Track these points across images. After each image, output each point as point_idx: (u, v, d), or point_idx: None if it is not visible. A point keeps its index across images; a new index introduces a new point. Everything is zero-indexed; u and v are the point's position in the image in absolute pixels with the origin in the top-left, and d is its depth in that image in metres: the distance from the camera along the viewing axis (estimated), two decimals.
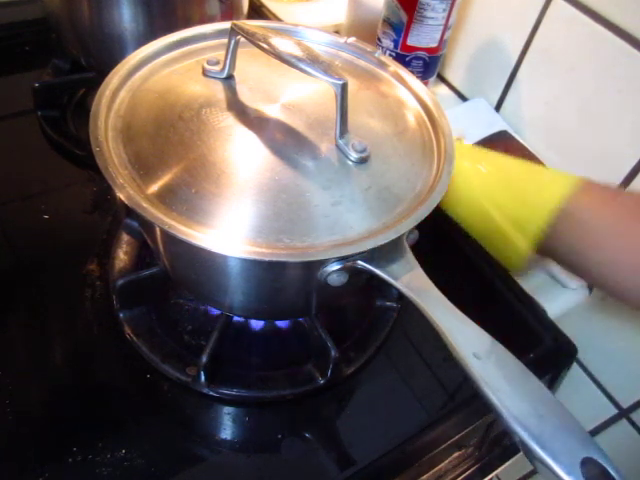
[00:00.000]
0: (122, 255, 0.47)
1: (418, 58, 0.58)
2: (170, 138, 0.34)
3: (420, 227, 0.34)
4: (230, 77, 0.38)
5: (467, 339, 0.30)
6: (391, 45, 0.58)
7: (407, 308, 0.46)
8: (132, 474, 0.37)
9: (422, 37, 0.57)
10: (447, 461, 0.47)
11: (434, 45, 0.58)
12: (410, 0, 0.54)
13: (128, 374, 0.42)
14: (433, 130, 0.39)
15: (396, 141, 0.37)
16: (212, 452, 0.39)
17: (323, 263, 0.32)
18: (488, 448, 0.50)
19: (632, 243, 0.36)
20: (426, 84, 0.63)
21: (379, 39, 0.60)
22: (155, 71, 0.39)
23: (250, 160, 0.34)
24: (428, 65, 0.60)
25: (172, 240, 0.31)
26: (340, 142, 0.34)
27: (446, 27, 0.57)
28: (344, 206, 0.33)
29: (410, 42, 0.57)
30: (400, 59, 0.59)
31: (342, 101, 0.33)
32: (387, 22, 0.57)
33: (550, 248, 0.40)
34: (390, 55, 0.59)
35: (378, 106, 0.40)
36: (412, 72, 0.58)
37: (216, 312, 0.45)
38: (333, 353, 0.40)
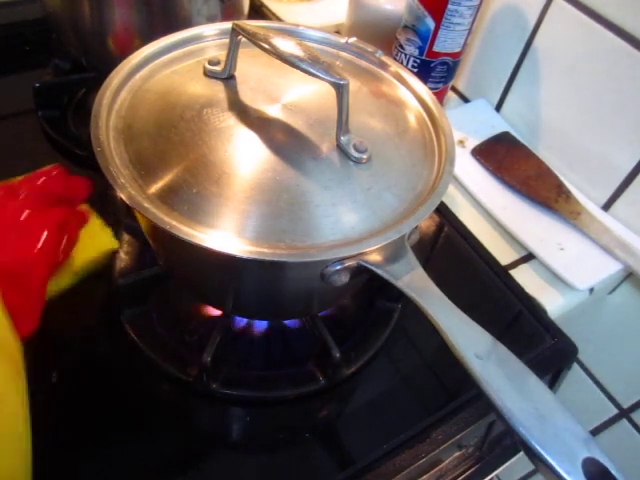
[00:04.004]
0: (122, 255, 0.47)
1: (443, 63, 0.58)
2: (171, 138, 0.34)
3: (421, 227, 0.34)
4: (231, 77, 0.38)
5: (468, 339, 0.30)
6: (416, 52, 0.58)
7: (408, 308, 0.46)
8: (132, 474, 0.37)
9: (448, 43, 0.57)
10: (447, 461, 0.47)
11: (458, 50, 0.58)
12: (438, 7, 0.54)
13: (128, 374, 0.42)
14: (434, 130, 0.39)
15: (397, 141, 0.37)
16: (213, 452, 0.39)
17: (324, 263, 0.32)
18: (488, 448, 0.50)
19: None
20: (447, 88, 0.63)
21: (400, 46, 0.60)
22: (156, 71, 0.39)
23: (251, 160, 0.34)
24: (451, 69, 0.60)
25: (173, 240, 0.31)
26: (341, 142, 0.34)
27: (470, 31, 0.57)
28: (345, 206, 0.33)
29: (436, 48, 0.57)
30: (425, 65, 0.59)
31: (343, 101, 0.33)
32: (411, 29, 0.57)
33: None
34: (415, 62, 0.59)
35: (379, 106, 0.40)
36: (436, 77, 0.60)
37: (217, 312, 0.45)
38: (334, 353, 0.40)
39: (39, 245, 0.35)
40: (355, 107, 0.35)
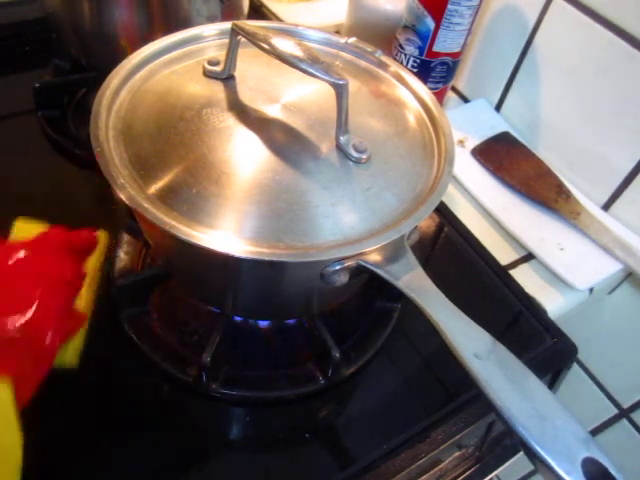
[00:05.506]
0: (122, 255, 0.47)
1: (443, 63, 0.58)
2: (171, 138, 0.34)
3: (421, 227, 0.34)
4: (231, 77, 0.38)
5: (468, 339, 0.30)
6: (416, 52, 0.58)
7: (408, 308, 0.46)
8: (132, 474, 0.37)
9: (448, 43, 0.57)
10: (447, 461, 0.47)
11: (458, 50, 0.58)
12: (438, 7, 0.54)
13: (128, 374, 0.42)
14: (434, 130, 0.39)
15: (397, 141, 0.37)
16: (212, 452, 0.39)
17: (324, 263, 0.32)
18: (488, 448, 0.50)
19: None
20: (447, 88, 0.63)
21: (400, 46, 0.60)
22: (156, 71, 0.39)
23: (251, 160, 0.34)
24: (451, 69, 0.60)
25: (173, 240, 0.31)
26: (341, 142, 0.34)
27: (470, 31, 0.57)
28: (345, 206, 0.33)
29: (436, 48, 0.57)
30: (425, 65, 0.59)
31: (342, 101, 0.33)
32: (411, 29, 0.57)
33: None
34: (415, 62, 0.59)
35: (378, 106, 0.40)
36: (435, 77, 0.60)
37: (217, 312, 0.45)
38: (334, 353, 0.40)
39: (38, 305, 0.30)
40: (355, 107, 0.35)
